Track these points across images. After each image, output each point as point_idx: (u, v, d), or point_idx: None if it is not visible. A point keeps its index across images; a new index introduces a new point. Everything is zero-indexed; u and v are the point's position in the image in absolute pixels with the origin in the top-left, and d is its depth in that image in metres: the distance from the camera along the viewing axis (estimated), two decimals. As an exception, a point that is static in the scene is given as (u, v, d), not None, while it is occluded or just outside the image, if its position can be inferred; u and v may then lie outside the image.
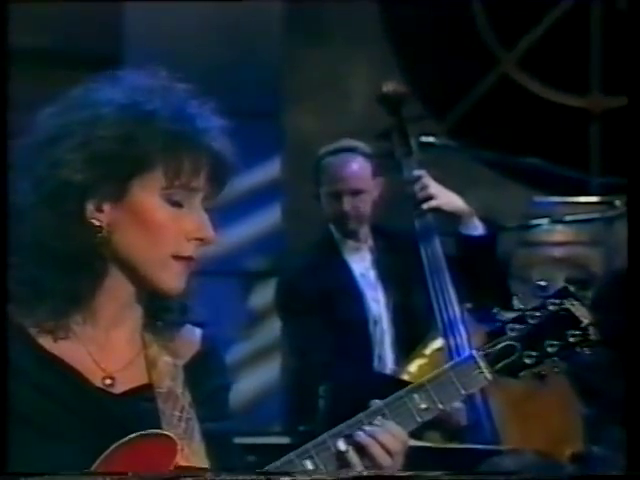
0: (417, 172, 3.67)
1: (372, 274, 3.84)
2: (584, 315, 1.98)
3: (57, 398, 1.92)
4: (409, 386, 2.01)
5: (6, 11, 2.39)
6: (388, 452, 1.96)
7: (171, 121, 1.87)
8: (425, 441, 3.41)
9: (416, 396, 1.98)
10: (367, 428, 1.97)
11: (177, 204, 1.89)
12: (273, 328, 4.56)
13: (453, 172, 3.83)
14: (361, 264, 3.86)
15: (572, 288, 2.04)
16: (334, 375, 3.58)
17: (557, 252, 5.01)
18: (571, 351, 1.98)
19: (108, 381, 1.94)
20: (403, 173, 3.71)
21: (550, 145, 5.47)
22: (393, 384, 3.20)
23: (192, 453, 1.94)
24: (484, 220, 3.70)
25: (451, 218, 3.70)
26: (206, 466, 1.96)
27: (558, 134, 5.86)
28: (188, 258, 1.90)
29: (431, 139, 3.85)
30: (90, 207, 1.88)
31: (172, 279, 1.91)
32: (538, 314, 1.97)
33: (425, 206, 3.64)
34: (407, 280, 3.77)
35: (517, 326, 1.96)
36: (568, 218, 4.74)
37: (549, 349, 1.98)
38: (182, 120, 1.88)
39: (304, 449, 1.96)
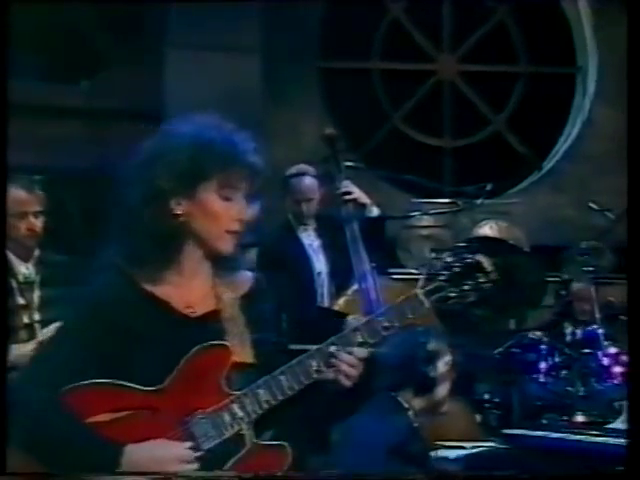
0: (344, 182, 3.98)
1: (315, 244, 4.08)
2: (488, 264, 2.12)
3: (154, 322, 2.07)
4: (376, 312, 2.15)
5: (6, 11, 2.38)
6: (353, 365, 2.06)
7: (222, 146, 2.06)
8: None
9: (382, 318, 2.10)
10: (337, 348, 2.06)
11: (227, 199, 2.09)
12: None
13: (364, 183, 4.16)
14: (308, 239, 4.09)
15: (480, 247, 2.28)
16: (294, 307, 3.58)
17: (424, 232, 5.63)
18: (479, 287, 2.11)
19: (190, 309, 2.10)
20: (335, 184, 4.00)
21: (420, 167, 6.24)
22: (329, 313, 3.80)
23: (244, 355, 2.08)
24: (381, 211, 4.07)
25: (361, 207, 3.99)
26: (253, 361, 2.08)
27: (425, 160, 6.65)
28: (235, 232, 2.10)
29: (352, 163, 4.22)
30: (173, 203, 2.08)
31: (226, 245, 2.10)
32: (458, 264, 2.11)
33: (346, 198, 3.92)
34: (337, 247, 3.96)
35: (445, 272, 2.11)
36: (431, 211, 5.33)
37: (465, 287, 2.11)
38: (229, 145, 2.07)
39: (286, 366, 2.05)
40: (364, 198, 3.98)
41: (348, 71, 6.70)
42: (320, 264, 4.01)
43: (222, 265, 2.13)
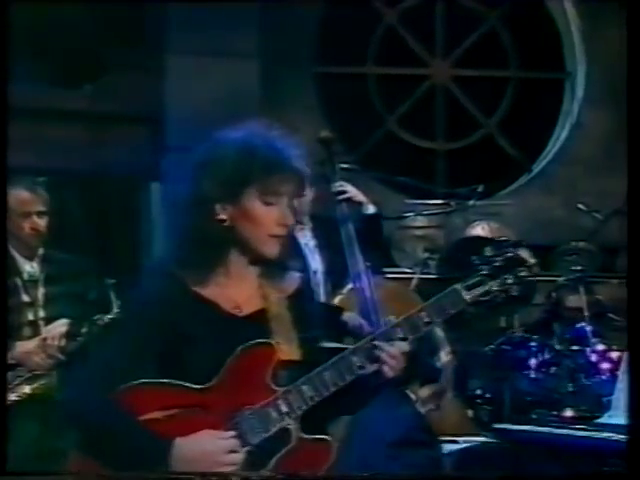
0: (339, 182, 3.92)
1: (311, 243, 3.97)
2: (529, 257, 2.14)
3: (202, 322, 2.09)
4: (417, 308, 2.11)
5: (6, 11, 2.35)
6: (396, 358, 2.08)
7: (265, 152, 2.08)
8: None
9: (423, 314, 2.09)
10: (381, 342, 2.08)
11: (269, 204, 2.10)
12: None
13: (359, 184, 4.08)
14: (304, 238, 3.96)
15: (522, 242, 2.21)
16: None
17: (418, 232, 5.61)
18: (521, 281, 2.11)
19: (237, 309, 2.13)
20: (330, 184, 3.92)
21: (414, 169, 6.26)
22: (327, 308, 3.64)
23: (290, 353, 2.11)
24: (376, 210, 4.00)
25: (357, 205, 3.95)
26: (298, 359, 2.10)
27: (419, 162, 6.64)
28: (278, 236, 2.11)
29: (346, 165, 4.14)
30: (218, 208, 2.11)
31: (270, 249, 2.11)
32: (499, 258, 2.11)
33: (341, 198, 3.87)
34: (332, 246, 3.87)
35: (485, 267, 2.10)
36: (424, 212, 5.55)
37: (507, 280, 2.11)
38: (272, 151, 2.09)
39: (328, 363, 2.07)
40: (360, 196, 3.98)
41: (344, 76, 6.71)
42: (316, 263, 3.97)
43: (268, 267, 2.15)
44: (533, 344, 4.33)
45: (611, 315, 4.52)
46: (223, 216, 2.10)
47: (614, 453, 2.71)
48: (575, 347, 4.20)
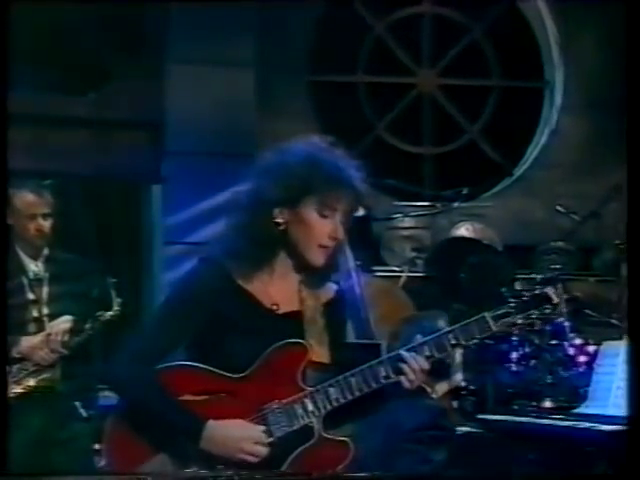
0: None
1: None
2: (556, 296, 2.18)
3: (242, 312, 2.15)
4: (446, 329, 2.14)
5: (6, 11, 2.33)
6: (414, 371, 2.11)
7: (328, 168, 2.15)
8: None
9: (450, 335, 2.13)
10: (408, 355, 2.10)
11: (324, 217, 2.16)
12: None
13: None
14: None
15: (553, 281, 2.28)
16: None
17: (406, 233, 5.55)
18: (545, 317, 2.18)
19: (275, 306, 2.19)
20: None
21: (402, 173, 6.20)
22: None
23: (320, 354, 2.17)
24: (366, 212, 4.11)
25: None
26: (327, 362, 2.16)
27: (407, 166, 6.64)
28: (327, 247, 2.17)
29: None
30: (276, 212, 2.18)
31: (316, 257, 2.17)
32: (527, 294, 2.16)
33: None
34: None
35: (513, 300, 2.16)
36: (412, 213, 5.55)
37: (532, 315, 2.17)
38: (335, 168, 2.15)
39: (356, 370, 2.12)
40: None
41: (336, 84, 6.72)
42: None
43: (310, 273, 2.20)
44: (514, 339, 4.30)
45: (587, 311, 4.49)
46: (279, 219, 2.15)
47: (590, 441, 2.74)
48: (554, 341, 4.16)
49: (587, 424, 2.80)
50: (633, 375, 2.25)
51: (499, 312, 2.13)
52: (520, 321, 2.13)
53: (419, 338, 2.12)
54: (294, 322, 2.16)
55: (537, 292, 2.15)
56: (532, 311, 2.14)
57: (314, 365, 2.14)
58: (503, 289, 2.32)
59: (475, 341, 2.13)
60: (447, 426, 2.68)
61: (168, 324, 2.13)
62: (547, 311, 2.15)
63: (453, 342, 2.11)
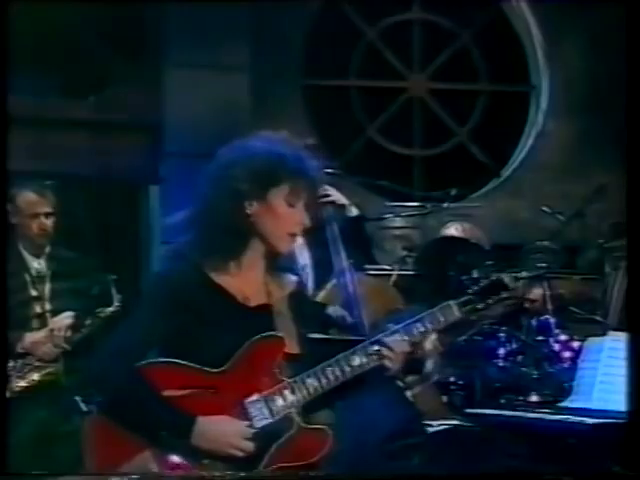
0: (324, 186, 3.67)
1: (299, 241, 3.67)
2: (511, 282, 2.18)
3: (215, 307, 2.11)
4: (415, 318, 2.18)
5: (6, 11, 2.31)
6: (396, 355, 2.13)
7: (292, 159, 2.14)
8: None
9: (419, 323, 2.18)
10: (388, 339, 2.13)
11: (291, 205, 2.14)
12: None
13: (343, 188, 4.08)
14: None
15: (506, 268, 2.25)
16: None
17: (397, 232, 5.66)
18: (502, 302, 2.19)
19: (246, 300, 2.15)
20: (317, 189, 3.73)
21: (393, 174, 6.05)
22: (313, 303, 3.42)
23: (294, 346, 2.15)
24: (359, 212, 4.00)
25: (341, 208, 3.94)
26: (299, 353, 2.13)
27: (397, 168, 6.63)
28: (294, 235, 2.17)
29: (331, 171, 3.97)
30: (246, 203, 2.14)
31: (285, 245, 2.16)
32: (485, 281, 2.20)
33: (326, 200, 3.81)
34: (319, 244, 3.80)
35: (474, 287, 2.19)
36: (403, 214, 5.54)
37: (489, 300, 2.19)
38: (298, 159, 2.15)
39: (332, 359, 2.12)
40: (342, 199, 3.96)
41: (328, 88, 6.72)
42: (305, 259, 3.92)
43: (274, 264, 2.18)
44: (501, 335, 4.32)
45: (572, 308, 4.52)
46: (249, 211, 2.12)
47: (574, 433, 2.73)
48: (540, 337, 4.19)
49: (572, 417, 2.79)
50: (633, 370, 2.29)
51: (462, 300, 2.17)
52: (480, 306, 2.17)
53: (391, 327, 2.15)
54: (265, 315, 2.14)
55: (493, 278, 2.19)
56: (490, 297, 2.18)
57: (288, 357, 2.13)
58: (463, 277, 2.23)
59: (445, 326, 2.17)
60: (420, 430, 2.79)
61: (145, 321, 2.11)
62: (503, 296, 2.18)
63: (422, 329, 2.16)
